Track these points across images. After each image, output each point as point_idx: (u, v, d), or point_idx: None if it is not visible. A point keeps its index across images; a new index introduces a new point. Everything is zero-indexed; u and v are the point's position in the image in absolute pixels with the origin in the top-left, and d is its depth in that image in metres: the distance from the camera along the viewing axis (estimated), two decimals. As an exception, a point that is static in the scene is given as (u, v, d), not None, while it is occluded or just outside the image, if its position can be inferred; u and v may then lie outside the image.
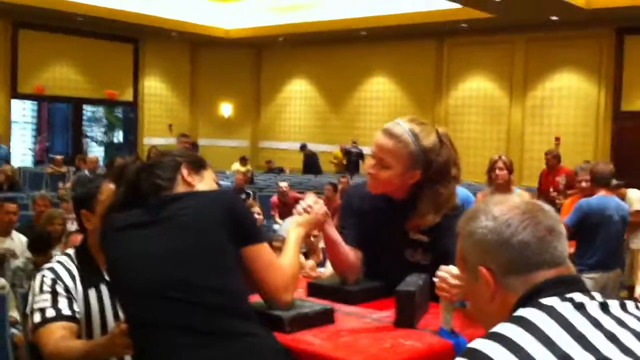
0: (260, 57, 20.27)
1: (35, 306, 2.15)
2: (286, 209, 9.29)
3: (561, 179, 9.02)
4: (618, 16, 12.97)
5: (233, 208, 1.80)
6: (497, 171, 5.36)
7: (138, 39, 18.57)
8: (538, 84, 14.99)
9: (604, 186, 5.25)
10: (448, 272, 1.86)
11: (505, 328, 1.13)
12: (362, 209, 2.34)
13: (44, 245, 4.75)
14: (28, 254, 5.08)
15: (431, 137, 2.16)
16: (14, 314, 4.44)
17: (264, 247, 1.83)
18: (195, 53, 19.92)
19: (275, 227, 8.33)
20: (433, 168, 2.16)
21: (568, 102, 14.64)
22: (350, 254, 2.27)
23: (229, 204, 1.81)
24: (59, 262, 2.28)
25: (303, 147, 17.39)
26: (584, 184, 5.79)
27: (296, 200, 9.14)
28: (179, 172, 1.91)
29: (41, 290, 2.17)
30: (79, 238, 4.40)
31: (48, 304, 2.14)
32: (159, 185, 1.86)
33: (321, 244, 6.12)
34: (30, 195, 8.85)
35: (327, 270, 5.47)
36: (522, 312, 1.16)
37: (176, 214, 1.78)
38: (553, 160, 9.56)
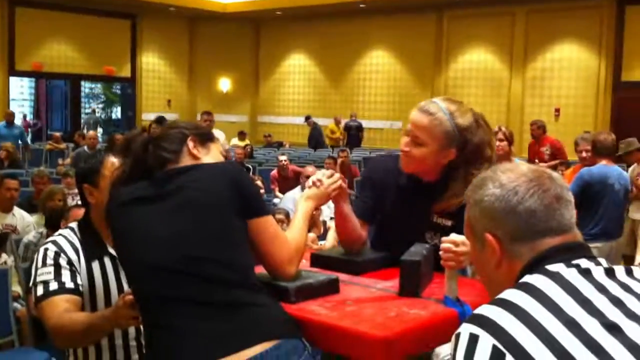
0: (259, 32, 20.13)
1: (39, 279, 2.15)
2: (286, 182, 9.29)
3: (546, 149, 9.10)
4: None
5: (238, 181, 1.81)
6: (497, 142, 5.34)
7: (136, 14, 18.43)
8: (538, 55, 14.91)
9: (606, 156, 5.24)
10: (451, 242, 1.86)
11: (511, 294, 1.14)
12: (385, 183, 2.32)
13: (59, 220, 4.78)
14: (34, 229, 5.11)
15: (467, 116, 2.16)
16: (17, 289, 4.47)
17: (269, 219, 1.83)
18: (193, 28, 19.78)
19: (276, 200, 8.33)
20: (468, 148, 2.14)
21: (568, 74, 14.58)
22: (358, 227, 2.28)
23: (234, 177, 1.81)
24: (61, 235, 2.28)
25: (307, 119, 17.27)
26: (584, 154, 5.78)
27: (296, 174, 9.13)
28: (185, 144, 1.90)
29: (44, 264, 2.17)
30: (80, 212, 4.42)
31: (51, 277, 2.14)
32: (164, 158, 1.86)
33: (322, 217, 6.14)
34: (29, 172, 8.85)
35: (328, 242, 5.49)
36: (528, 278, 1.16)
37: (181, 188, 1.78)
38: (538, 130, 9.58)
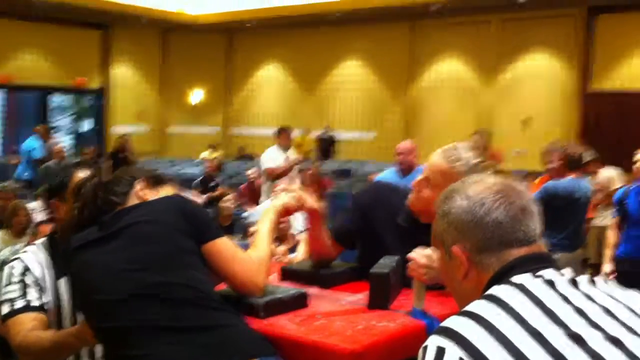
0: (231, 43, 20.11)
1: (4, 297, 2.12)
2: (255, 196, 9.28)
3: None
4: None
5: (184, 209, 1.84)
6: None
7: (107, 25, 18.29)
8: (509, 65, 15.09)
9: (576, 170, 5.27)
10: (419, 253, 1.88)
11: (478, 306, 1.15)
12: (382, 219, 2.29)
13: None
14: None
15: (487, 172, 2.10)
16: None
17: (223, 241, 1.84)
18: (165, 39, 19.69)
19: (245, 214, 8.31)
20: None
21: (538, 83, 14.75)
22: (330, 248, 2.30)
23: (180, 206, 1.84)
24: (28, 252, 2.25)
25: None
26: (551, 164, 5.82)
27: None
28: (133, 187, 1.93)
29: (9, 282, 2.15)
30: (47, 228, 4.38)
31: (17, 294, 2.11)
32: (113, 201, 1.89)
33: (292, 230, 6.13)
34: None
35: (299, 256, 5.49)
36: (494, 290, 1.18)
37: (130, 224, 1.80)
38: (478, 139, 9.62)
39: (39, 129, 12.40)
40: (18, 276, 2.15)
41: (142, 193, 1.93)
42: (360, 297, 2.03)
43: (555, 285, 1.17)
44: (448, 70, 15.98)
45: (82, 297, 1.88)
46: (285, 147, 8.31)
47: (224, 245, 1.84)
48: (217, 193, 9.38)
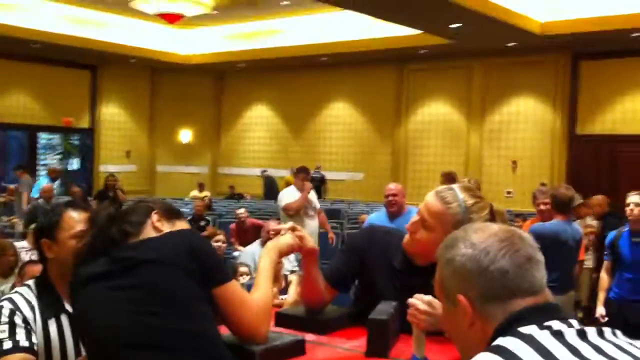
0: (221, 83, 20.23)
1: None
2: (245, 235, 9.23)
3: None
4: (574, 42, 13.29)
5: (197, 250, 1.76)
6: None
7: (96, 65, 18.37)
8: (496, 108, 15.25)
9: (562, 212, 5.27)
10: (419, 299, 1.84)
11: (484, 358, 1.12)
12: (378, 261, 2.25)
13: None
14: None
15: (482, 214, 2.08)
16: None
17: (232, 285, 1.79)
18: (155, 79, 19.77)
19: (235, 254, 8.24)
20: None
21: (525, 126, 14.91)
22: (323, 291, 2.25)
23: (192, 246, 1.76)
24: (17, 292, 2.22)
25: (263, 172, 17.35)
26: (542, 207, 5.83)
27: (255, 227, 9.04)
28: (149, 217, 1.86)
29: None
30: (36, 269, 4.30)
31: (5, 335, 2.08)
32: (127, 232, 1.81)
33: (283, 271, 6.06)
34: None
35: (289, 297, 5.42)
36: (501, 341, 1.15)
37: (140, 262, 1.73)
38: (447, 182, 9.66)
39: (52, 170, 12.94)
40: (6, 317, 2.11)
41: (158, 224, 1.86)
42: (357, 344, 1.99)
43: (563, 336, 1.14)
44: (436, 113, 16.12)
45: (84, 333, 1.83)
46: (301, 188, 8.31)
47: (233, 290, 1.78)
48: (206, 232, 9.31)
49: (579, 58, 14.19)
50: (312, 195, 8.57)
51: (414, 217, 2.15)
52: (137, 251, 1.76)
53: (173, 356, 1.63)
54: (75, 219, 2.20)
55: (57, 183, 12.73)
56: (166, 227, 1.87)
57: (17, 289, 2.26)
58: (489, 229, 1.28)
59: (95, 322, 1.73)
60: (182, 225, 1.92)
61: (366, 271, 2.27)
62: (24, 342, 2.07)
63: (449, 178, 8.82)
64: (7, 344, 2.05)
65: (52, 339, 2.15)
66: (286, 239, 2.07)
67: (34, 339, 2.10)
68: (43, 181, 12.46)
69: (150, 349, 1.64)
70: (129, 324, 1.66)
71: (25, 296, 2.20)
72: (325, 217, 9.23)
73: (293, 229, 2.11)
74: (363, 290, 2.33)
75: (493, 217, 2.08)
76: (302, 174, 8.50)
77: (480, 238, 1.25)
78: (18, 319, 2.11)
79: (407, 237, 2.17)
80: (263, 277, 1.93)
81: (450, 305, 1.28)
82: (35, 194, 11.70)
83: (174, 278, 1.70)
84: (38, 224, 2.37)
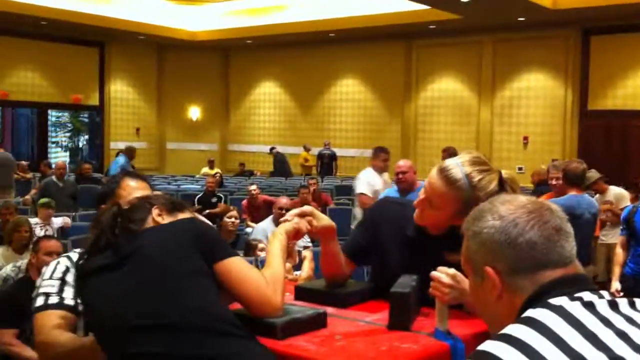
0: (229, 60, 20.15)
1: (41, 290, 2.16)
2: (256, 212, 9.25)
3: None
4: (584, 16, 13.16)
5: (194, 228, 1.82)
6: None
7: (104, 42, 18.33)
8: (506, 84, 15.15)
9: (576, 186, 5.24)
10: (444, 272, 1.83)
11: (515, 329, 1.11)
12: (391, 232, 2.23)
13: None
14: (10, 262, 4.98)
15: (490, 187, 1.99)
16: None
17: (235, 260, 1.79)
18: (162, 56, 19.72)
19: (248, 230, 8.26)
20: None
21: (536, 102, 14.82)
22: (343, 266, 2.24)
23: (190, 226, 1.83)
24: (76, 251, 2.29)
25: (272, 150, 17.36)
26: (553, 182, 5.79)
27: (266, 203, 9.05)
28: (150, 213, 1.91)
29: (51, 276, 2.20)
30: (49, 243, 4.32)
31: (53, 290, 2.15)
32: (129, 229, 1.85)
33: (296, 247, 6.07)
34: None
35: (304, 273, 5.43)
36: (531, 312, 1.14)
37: (140, 247, 1.77)
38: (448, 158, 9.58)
39: (126, 150, 12.72)
40: (60, 273, 2.20)
41: (159, 219, 1.89)
42: (378, 317, 1.98)
43: (595, 307, 1.13)
44: (445, 89, 16.03)
45: (91, 322, 1.87)
46: (381, 170, 7.23)
47: (236, 265, 1.79)
48: (219, 209, 9.33)
49: (589, 33, 14.05)
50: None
51: (421, 194, 2.09)
52: (138, 240, 1.80)
53: (180, 334, 1.64)
54: (132, 187, 2.28)
55: (123, 160, 12.46)
56: (167, 220, 1.90)
57: (78, 249, 2.32)
58: (517, 201, 1.26)
59: (101, 310, 1.75)
60: (184, 216, 1.95)
61: (381, 242, 2.25)
62: (68, 301, 2.13)
63: (450, 154, 8.65)
64: (53, 299, 2.12)
65: None
66: (292, 222, 2.06)
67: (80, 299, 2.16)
68: (120, 160, 12.37)
69: (157, 330, 1.65)
70: (129, 308, 1.69)
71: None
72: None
73: (302, 215, 2.08)
74: (379, 263, 2.32)
75: (503, 187, 2.01)
76: (382, 154, 7.31)
77: (508, 210, 1.24)
78: (70, 277, 2.18)
79: (416, 211, 2.13)
80: (272, 255, 1.93)
81: (477, 278, 1.27)
82: (113, 171, 11.62)
83: (174, 258, 1.73)
84: (98, 191, 2.45)
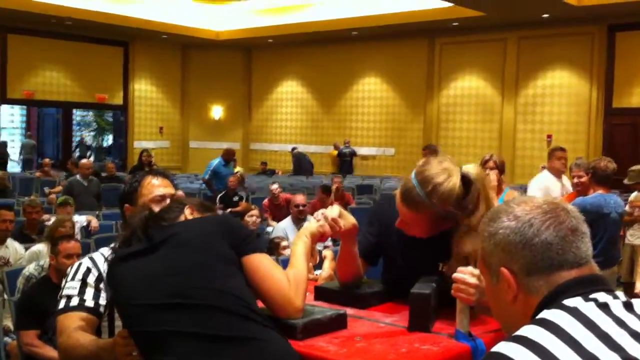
0: (251, 59, 20.20)
1: (64, 292, 2.19)
2: (278, 210, 9.25)
3: None
4: (609, 13, 13.00)
5: (226, 221, 1.91)
6: (488, 171, 5.33)
7: (128, 42, 18.46)
8: (530, 81, 15.01)
9: (604, 185, 5.16)
10: (468, 273, 1.81)
11: (530, 331, 1.11)
12: (391, 224, 2.22)
13: None
14: (36, 260, 5.00)
15: (453, 195, 1.97)
16: (8, 323, 4.39)
17: (261, 256, 1.82)
18: (186, 55, 19.83)
19: (269, 229, 8.28)
20: (464, 205, 2.01)
21: (560, 100, 14.66)
22: (360, 268, 2.25)
23: (222, 219, 1.93)
24: (101, 253, 2.31)
25: (292, 150, 17.39)
26: (575, 180, 5.72)
27: (288, 202, 9.08)
28: (183, 212, 1.98)
29: (73, 278, 2.22)
30: (69, 245, 4.33)
31: (75, 292, 2.18)
32: (161, 224, 1.92)
33: (317, 247, 6.07)
34: (19, 201, 8.75)
35: (324, 272, 5.43)
36: (545, 314, 1.14)
37: (173, 234, 1.82)
38: (428, 155, 9.46)
39: (225, 152, 11.57)
40: (81, 274, 2.22)
41: (191, 216, 1.97)
42: (398, 319, 1.97)
43: (609, 308, 1.14)
44: (468, 87, 15.92)
45: (120, 304, 1.88)
46: (558, 171, 6.28)
47: (262, 261, 1.80)
48: (240, 207, 9.34)
49: (614, 29, 13.86)
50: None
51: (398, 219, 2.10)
52: (171, 229, 1.86)
53: (203, 313, 1.67)
54: (154, 185, 2.29)
55: (217, 161, 11.24)
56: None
57: (101, 249, 2.33)
58: (533, 202, 1.26)
59: (128, 289, 1.78)
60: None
61: (387, 236, 2.26)
62: (89, 302, 2.16)
63: (431, 151, 8.37)
64: (74, 301, 2.16)
65: None
66: (317, 225, 2.05)
67: (101, 300, 2.19)
68: (214, 161, 11.23)
69: (185, 309, 1.68)
70: (160, 287, 1.72)
71: (105, 255, 2.25)
72: None
73: (326, 218, 2.06)
74: (388, 261, 2.32)
75: (468, 186, 1.99)
76: (558, 152, 6.33)
77: (523, 210, 1.24)
78: (91, 278, 2.21)
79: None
80: (296, 258, 1.93)
81: (493, 279, 1.27)
82: (205, 174, 11.23)
83: (204, 243, 1.78)
84: (121, 191, 2.46)
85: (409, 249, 2.18)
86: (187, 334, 1.65)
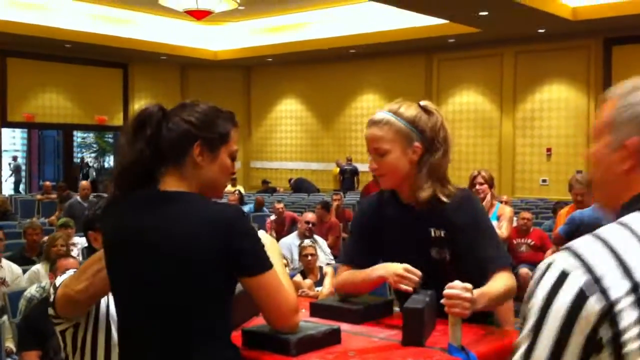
0: (250, 78, 20.30)
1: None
2: (281, 228, 9.27)
3: None
4: (605, 27, 13.08)
5: (231, 233, 1.66)
6: (477, 186, 5.35)
7: (127, 63, 18.57)
8: (527, 95, 15.07)
9: None
10: (461, 288, 1.83)
11: (606, 229, 1.12)
12: (375, 220, 2.31)
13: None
14: (37, 281, 5.02)
15: (412, 109, 2.18)
16: (10, 345, 4.40)
17: (270, 275, 1.72)
18: (185, 76, 19.93)
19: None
20: (427, 135, 2.16)
21: (558, 114, 14.71)
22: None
23: (228, 225, 1.66)
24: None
25: (290, 181, 17.41)
26: (578, 198, 5.73)
27: (291, 219, 9.05)
28: (191, 151, 1.77)
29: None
30: (67, 262, 4.36)
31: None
32: (165, 157, 1.78)
33: (318, 263, 6.08)
34: (21, 224, 8.77)
35: (325, 289, 5.43)
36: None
37: (157, 229, 1.69)
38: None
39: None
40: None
41: (199, 159, 1.77)
42: (394, 333, 1.98)
43: None
44: (467, 102, 15.98)
45: (108, 261, 1.85)
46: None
47: (270, 280, 1.72)
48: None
49: (611, 43, 13.94)
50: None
51: (370, 161, 2.22)
52: (165, 212, 1.72)
53: (170, 338, 1.71)
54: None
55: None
56: (207, 161, 1.79)
57: None
58: None
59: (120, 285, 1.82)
60: (225, 152, 1.85)
61: (375, 233, 2.30)
62: None
63: None
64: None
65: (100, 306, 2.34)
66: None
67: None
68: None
69: (151, 325, 1.73)
70: (140, 293, 1.74)
71: None
72: None
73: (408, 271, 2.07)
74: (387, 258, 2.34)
75: (423, 108, 2.19)
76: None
77: None
78: None
79: (380, 181, 2.25)
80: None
81: (610, 147, 1.25)
82: None
83: (194, 264, 1.67)
84: (85, 217, 2.47)
85: (402, 233, 2.24)
86: (152, 345, 1.72)
